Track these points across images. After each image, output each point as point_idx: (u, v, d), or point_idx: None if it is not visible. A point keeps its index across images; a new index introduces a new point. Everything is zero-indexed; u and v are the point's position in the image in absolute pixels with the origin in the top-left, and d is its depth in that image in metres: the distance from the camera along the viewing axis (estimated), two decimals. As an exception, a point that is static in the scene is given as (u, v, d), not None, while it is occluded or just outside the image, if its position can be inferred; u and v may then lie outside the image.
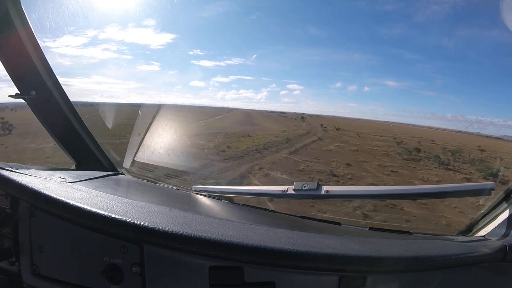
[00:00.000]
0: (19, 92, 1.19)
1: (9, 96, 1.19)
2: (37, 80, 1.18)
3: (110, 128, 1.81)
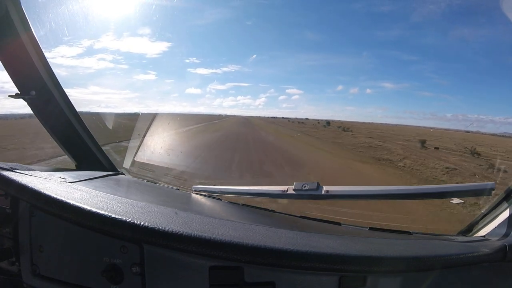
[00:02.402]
0: (19, 92, 1.19)
1: (9, 96, 1.19)
2: (37, 80, 1.18)
3: (109, 133, 1.81)
